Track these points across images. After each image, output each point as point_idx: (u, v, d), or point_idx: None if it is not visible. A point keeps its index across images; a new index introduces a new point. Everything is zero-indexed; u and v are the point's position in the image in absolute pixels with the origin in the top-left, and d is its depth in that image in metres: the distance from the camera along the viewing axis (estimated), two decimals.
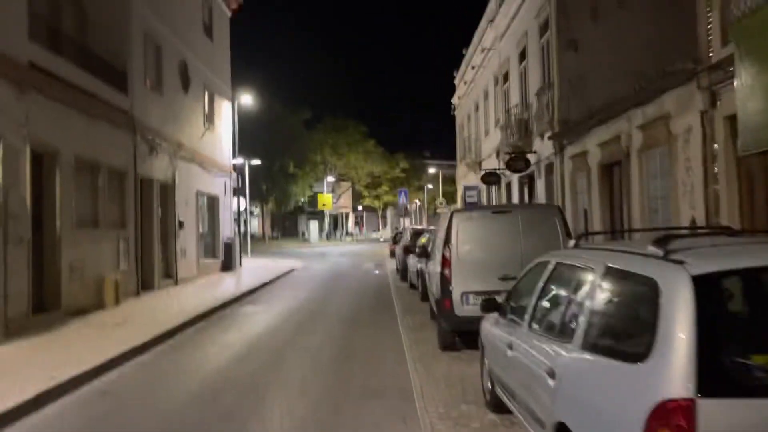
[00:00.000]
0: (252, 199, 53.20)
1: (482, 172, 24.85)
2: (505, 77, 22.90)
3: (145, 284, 15.68)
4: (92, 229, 12.87)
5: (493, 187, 25.02)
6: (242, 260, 25.80)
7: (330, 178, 57.34)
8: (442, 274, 8.25)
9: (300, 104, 54.44)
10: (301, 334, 10.39)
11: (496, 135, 24.26)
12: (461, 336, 8.45)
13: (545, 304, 4.44)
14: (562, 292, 4.27)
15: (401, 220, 70.84)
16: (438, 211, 46.59)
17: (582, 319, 3.56)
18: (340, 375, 7.57)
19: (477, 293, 8.09)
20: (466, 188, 28.29)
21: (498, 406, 5.50)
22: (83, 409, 6.45)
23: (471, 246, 8.33)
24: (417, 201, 65.60)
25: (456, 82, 35.81)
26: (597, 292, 3.58)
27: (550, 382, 3.62)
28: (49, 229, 11.32)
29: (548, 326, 4.17)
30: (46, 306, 11.14)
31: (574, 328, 3.62)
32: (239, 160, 34.65)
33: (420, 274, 14.10)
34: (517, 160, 18.76)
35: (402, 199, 26.64)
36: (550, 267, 4.52)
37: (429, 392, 6.56)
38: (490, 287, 8.08)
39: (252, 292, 16.95)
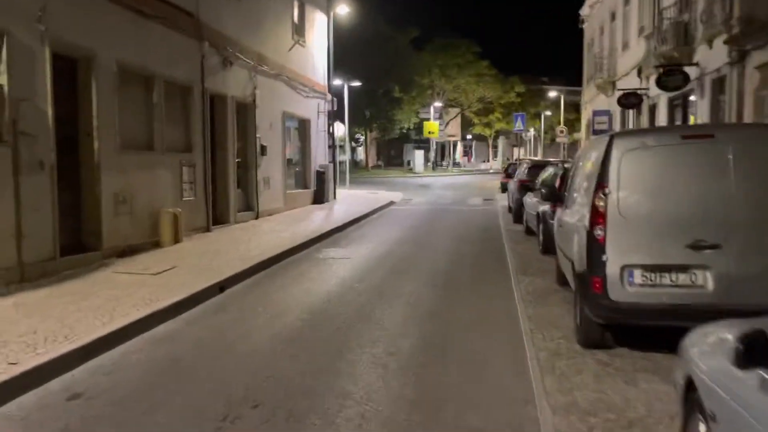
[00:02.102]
0: (354, 125, 51.01)
1: (618, 94, 20.69)
2: None
3: (217, 218, 13.76)
4: (145, 153, 10.85)
5: (631, 111, 20.85)
6: (337, 191, 23.68)
7: (437, 104, 53.60)
8: (590, 234, 5.23)
9: (407, 22, 50.63)
10: (378, 302, 7.79)
11: (639, 47, 19.91)
12: (614, 328, 5.50)
13: None
14: None
15: (514, 150, 66.28)
16: (558, 140, 42.06)
17: None
18: (420, 394, 4.90)
19: (649, 268, 5.06)
20: (596, 113, 24.14)
21: None
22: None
23: (641, 192, 5.22)
24: (532, 130, 60.55)
25: None
26: None
27: None
28: (86, 152, 9.34)
29: None
30: (84, 246, 9.31)
31: None
32: (337, 82, 32.17)
33: (542, 219, 11.03)
34: (672, 74, 14.74)
35: (518, 125, 23.02)
36: None
37: None
38: (673, 259, 5.01)
39: (339, 229, 14.64)
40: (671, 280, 5.00)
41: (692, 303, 4.95)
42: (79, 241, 9.28)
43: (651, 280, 5.04)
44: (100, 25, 9.42)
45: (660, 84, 14.80)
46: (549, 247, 10.73)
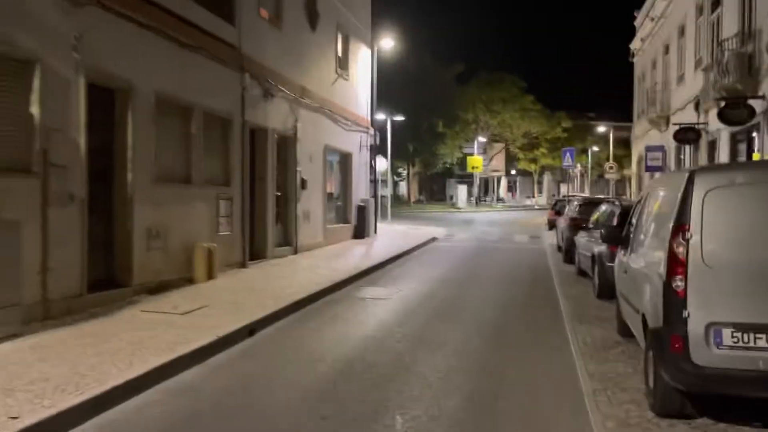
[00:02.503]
0: (397, 159, 50.78)
1: (672, 129, 19.72)
2: (715, 2, 17.50)
3: (255, 253, 13.35)
4: (181, 185, 10.54)
5: (688, 147, 19.82)
6: (378, 226, 23.18)
7: (482, 138, 53.02)
8: (668, 285, 4.50)
9: (452, 57, 50.59)
10: (420, 351, 7.12)
11: (696, 80, 18.99)
12: (697, 397, 4.70)
13: None
14: None
15: (560, 186, 64.90)
16: (607, 176, 40.78)
17: None
18: None
19: (740, 327, 4.29)
20: (648, 149, 23.14)
21: None
22: None
23: (730, 237, 4.48)
24: (579, 165, 59.22)
25: (637, 22, 29.96)
26: None
27: None
28: (119, 185, 9.05)
29: None
30: (114, 281, 8.96)
31: None
32: (380, 116, 31.98)
33: (598, 261, 10.21)
34: (735, 107, 13.81)
35: (567, 161, 22.29)
36: None
37: None
38: None
39: (379, 267, 14.05)
40: None
41: None
42: (109, 277, 8.93)
43: (743, 342, 4.26)
44: (139, 55, 9.22)
45: (722, 118, 13.87)
46: (605, 292, 9.92)
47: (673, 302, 4.45)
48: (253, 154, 13.54)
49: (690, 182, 4.53)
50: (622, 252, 7.02)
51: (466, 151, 51.89)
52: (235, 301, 8.96)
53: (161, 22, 9.62)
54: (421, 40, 49.93)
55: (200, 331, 7.07)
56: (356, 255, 15.81)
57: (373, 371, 6.20)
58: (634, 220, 6.79)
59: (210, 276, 10.69)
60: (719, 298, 4.36)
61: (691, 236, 4.42)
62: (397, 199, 60.68)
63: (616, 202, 11.19)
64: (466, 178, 58.57)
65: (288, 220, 15.24)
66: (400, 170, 58.19)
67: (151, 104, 9.49)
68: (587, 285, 11.33)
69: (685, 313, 4.38)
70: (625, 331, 7.16)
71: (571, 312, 8.96)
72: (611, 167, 37.58)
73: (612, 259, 9.74)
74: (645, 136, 27.39)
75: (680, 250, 4.44)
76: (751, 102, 13.76)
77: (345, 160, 19.96)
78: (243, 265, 12.54)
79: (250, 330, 7.63)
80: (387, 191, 61.10)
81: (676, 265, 4.45)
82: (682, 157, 21.07)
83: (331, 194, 18.77)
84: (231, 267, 12.03)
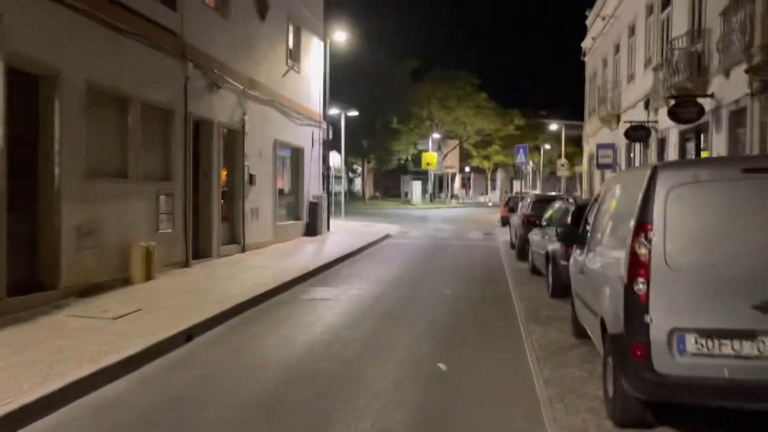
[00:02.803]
0: (351, 155, 50.27)
1: (623, 127, 19.91)
2: (665, 1, 17.69)
3: (199, 252, 12.75)
4: (116, 180, 9.87)
5: (638, 145, 20.05)
6: (331, 223, 22.72)
7: (436, 135, 53.01)
8: (629, 288, 4.23)
9: (407, 53, 50.37)
10: (369, 357, 6.75)
11: (646, 79, 19.21)
12: (658, 406, 4.46)
13: None
14: None
15: (512, 183, 65.62)
16: (559, 173, 41.25)
17: None
18: None
19: (705, 333, 4.05)
20: (599, 147, 23.34)
21: None
22: None
23: (694, 238, 4.23)
24: (531, 163, 59.95)
25: (588, 21, 30.30)
26: None
27: None
28: (45, 179, 8.36)
29: None
30: (40, 284, 8.26)
31: None
32: (334, 111, 31.47)
33: (551, 259, 10.04)
34: (685, 106, 13.90)
35: (520, 157, 22.27)
36: None
37: None
38: (736, 323, 4.03)
39: (330, 266, 13.62)
40: (734, 349, 3.99)
41: (760, 379, 3.94)
42: (34, 279, 8.24)
43: (708, 349, 4.02)
44: (68, 40, 8.54)
45: (673, 116, 13.96)
46: (559, 291, 9.77)
47: (635, 306, 4.18)
48: (198, 148, 12.92)
49: (653, 178, 4.27)
50: (578, 251, 6.80)
51: (420, 147, 51.81)
52: (173, 304, 8.39)
53: (93, 5, 8.94)
54: (375, 36, 49.62)
55: (131, 337, 6.52)
56: (307, 253, 15.32)
57: (318, 380, 5.79)
58: (590, 219, 6.57)
59: (148, 276, 10.05)
60: (683, 302, 4.11)
61: (654, 236, 4.17)
62: (352, 195, 60.23)
63: (570, 200, 11.06)
64: (421, 175, 58.57)
65: (235, 218, 14.64)
66: (355, 166, 57.72)
67: (81, 93, 8.80)
68: (541, 284, 11.17)
69: (647, 318, 4.12)
70: (580, 333, 6.96)
71: (526, 312, 8.73)
72: (563, 164, 38.02)
73: (566, 258, 9.57)
74: (596, 134, 27.72)
75: (642, 251, 4.18)
76: (700, 101, 13.90)
77: (296, 155, 19.42)
78: (186, 265, 11.92)
79: (188, 336, 7.10)
80: (342, 187, 60.66)
81: (637, 266, 4.19)
82: (632, 155, 21.33)
83: (281, 190, 18.21)
84: (173, 267, 11.40)
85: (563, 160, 39.39)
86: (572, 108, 42.43)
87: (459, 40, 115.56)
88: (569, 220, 9.91)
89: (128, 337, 6.52)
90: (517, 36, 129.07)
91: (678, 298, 4.12)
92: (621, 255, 4.47)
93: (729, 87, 12.86)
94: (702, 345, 4.03)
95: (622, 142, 22.31)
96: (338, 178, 63.10)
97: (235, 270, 11.92)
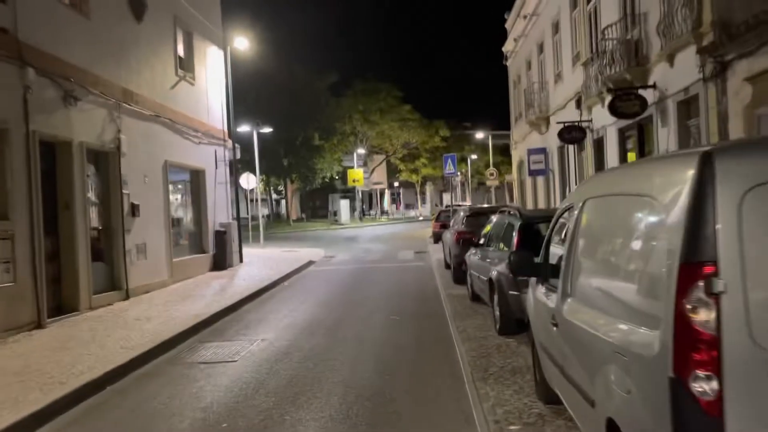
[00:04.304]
0: (273, 175, 47.60)
1: (554, 130, 18.56)
2: None
3: (63, 306, 10.19)
4: None
5: (572, 147, 18.70)
6: (247, 252, 20.26)
7: (361, 150, 51.09)
8: (680, 389, 2.20)
9: (325, 67, 48.39)
10: None
11: (575, 76, 17.95)
12: None
13: None
14: None
15: (442, 195, 64.62)
16: (488, 183, 40.12)
17: None
18: None
19: None
20: (530, 152, 22.01)
21: None
22: None
23: None
24: (460, 174, 59.12)
25: (508, 24, 29.27)
26: None
27: None
28: None
29: None
30: None
31: None
32: (245, 128, 29.02)
33: (497, 289, 8.10)
34: (627, 99, 12.45)
35: (449, 167, 20.59)
36: None
37: None
38: None
39: (234, 308, 11.28)
40: None
41: None
42: None
43: None
44: None
45: (614, 111, 12.47)
46: (509, 327, 7.91)
47: (696, 424, 2.17)
48: (53, 175, 10.32)
49: (706, 174, 2.29)
50: (541, 287, 4.83)
51: (345, 164, 49.73)
52: None
53: None
54: (292, 51, 47.46)
55: None
56: (208, 294, 12.83)
57: None
58: (558, 242, 4.62)
59: None
60: None
61: (723, 286, 2.18)
62: (277, 218, 57.38)
63: (512, 212, 9.19)
64: (349, 193, 56.50)
65: (115, 258, 12.03)
66: (280, 188, 54.97)
67: None
68: (485, 315, 9.25)
69: None
70: (550, 398, 4.99)
71: (472, 363, 6.70)
72: (492, 174, 36.86)
73: (514, 287, 7.69)
74: (525, 139, 26.51)
75: (702, 316, 2.19)
76: (641, 93, 12.50)
77: (197, 178, 16.90)
78: (39, 326, 9.27)
79: None
80: (264, 211, 57.77)
81: (695, 347, 2.19)
82: (566, 158, 20.01)
83: (178, 220, 15.66)
84: (17, 330, 8.77)
85: (492, 169, 38.28)
86: (496, 118, 41.73)
87: (378, 53, 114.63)
88: (515, 239, 8.02)
89: None
90: (437, 47, 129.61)
91: None
92: (648, 317, 2.46)
93: (675, 75, 11.47)
94: None
95: (554, 145, 21.03)
96: (263, 200, 60.20)
97: (105, 328, 9.36)
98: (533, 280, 5.20)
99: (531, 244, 7.87)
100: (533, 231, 8.10)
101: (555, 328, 4.07)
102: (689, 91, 10.93)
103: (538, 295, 4.89)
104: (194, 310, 10.66)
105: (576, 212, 3.85)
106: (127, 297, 12.01)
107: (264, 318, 10.54)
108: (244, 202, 31.54)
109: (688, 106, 11.36)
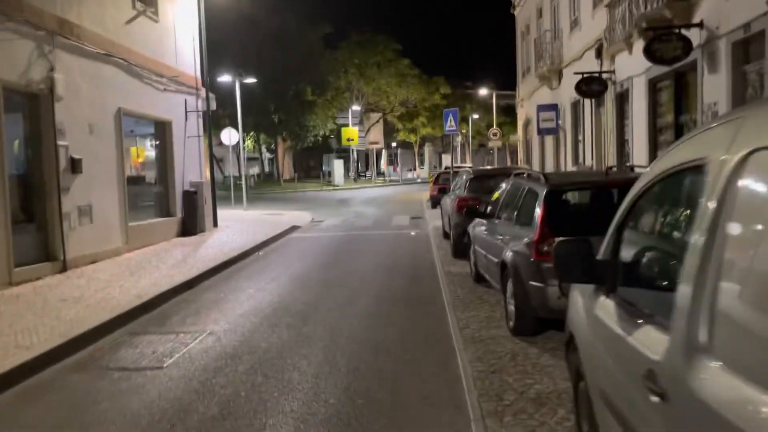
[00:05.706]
0: (262, 132, 45.27)
1: (566, 84, 16.44)
2: None
3: None
4: None
5: (587, 102, 16.61)
6: (227, 214, 18.35)
7: (356, 107, 48.57)
8: None
9: (319, 17, 45.55)
10: None
11: (595, 22, 15.77)
12: None
13: None
14: None
15: (441, 157, 62.40)
16: (491, 144, 37.93)
17: None
18: None
19: None
20: (540, 108, 19.86)
21: None
22: None
23: None
24: (460, 135, 56.76)
25: None
26: None
27: None
28: None
29: None
30: None
31: None
32: (226, 78, 26.68)
33: (513, 277, 6.16)
34: (667, 40, 10.32)
35: (450, 123, 18.37)
36: None
37: None
38: None
39: (189, 285, 9.39)
40: None
41: None
42: None
43: None
44: None
45: (652, 56, 10.35)
46: (526, 327, 6.03)
47: None
48: None
49: None
50: (607, 302, 2.87)
51: (340, 121, 47.28)
52: None
53: None
54: (287, 2, 44.45)
55: None
56: (165, 266, 10.89)
57: None
58: (645, 227, 2.65)
59: None
60: None
61: None
62: (270, 177, 55.25)
63: (534, 175, 7.17)
64: (344, 153, 54.24)
65: (49, 222, 10.07)
66: (272, 146, 52.62)
67: None
68: (493, 305, 7.36)
69: None
70: (590, 414, 3.09)
71: (480, 385, 4.80)
72: (495, 134, 34.65)
73: (537, 277, 5.78)
74: (533, 95, 24.32)
75: None
76: (684, 33, 10.37)
77: (162, 130, 14.80)
78: None
79: None
80: (255, 170, 55.52)
81: None
82: (581, 115, 17.89)
83: (137, 178, 13.65)
84: None
85: (495, 129, 36.01)
86: (498, 78, 39.25)
87: (375, 2, 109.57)
88: (539, 212, 6.02)
89: None
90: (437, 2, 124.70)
91: None
92: None
93: (731, 8, 9.34)
94: None
95: (566, 101, 18.91)
96: (254, 159, 57.79)
97: (14, 313, 7.44)
98: (586, 286, 3.24)
99: (560, 221, 5.96)
100: (563, 202, 6.13)
101: (657, 400, 2.11)
102: (751, 28, 8.82)
103: (601, 317, 2.92)
104: (139, 288, 8.75)
105: (724, 174, 1.85)
106: (64, 269, 10.09)
107: (222, 299, 8.63)
108: (231, 160, 29.43)
109: (745, 48, 9.27)
